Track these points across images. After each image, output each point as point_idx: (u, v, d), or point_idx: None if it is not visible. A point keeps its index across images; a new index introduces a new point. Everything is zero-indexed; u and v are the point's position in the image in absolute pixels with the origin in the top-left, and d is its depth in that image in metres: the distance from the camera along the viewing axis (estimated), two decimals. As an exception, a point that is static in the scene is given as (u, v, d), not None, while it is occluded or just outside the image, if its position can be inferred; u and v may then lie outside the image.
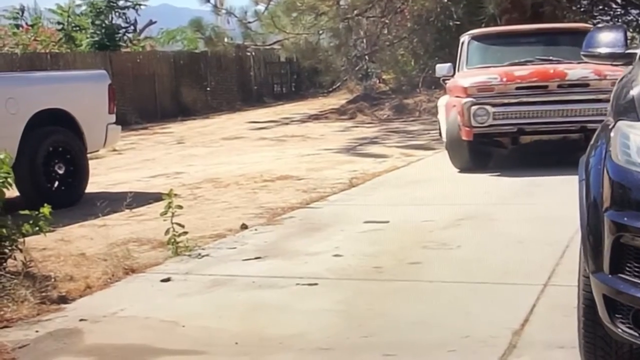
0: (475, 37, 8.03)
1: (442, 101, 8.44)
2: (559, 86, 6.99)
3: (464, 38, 8.24)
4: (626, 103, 2.35)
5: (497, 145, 7.35)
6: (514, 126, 6.95)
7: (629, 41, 3.04)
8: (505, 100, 6.95)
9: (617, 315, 2.18)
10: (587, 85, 6.93)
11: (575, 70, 6.99)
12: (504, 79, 7.09)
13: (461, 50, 8.15)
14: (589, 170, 2.38)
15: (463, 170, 7.28)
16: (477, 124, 6.89)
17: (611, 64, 3.31)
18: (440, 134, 8.61)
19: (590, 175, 2.35)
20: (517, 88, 7.03)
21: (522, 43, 8.13)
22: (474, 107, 6.89)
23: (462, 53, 7.97)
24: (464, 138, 7.05)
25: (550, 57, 7.58)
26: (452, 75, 8.07)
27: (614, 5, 15.98)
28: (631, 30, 13.39)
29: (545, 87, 7.00)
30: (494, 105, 6.91)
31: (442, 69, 8.27)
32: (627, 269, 2.16)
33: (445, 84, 8.33)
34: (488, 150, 7.42)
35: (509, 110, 6.94)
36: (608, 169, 2.23)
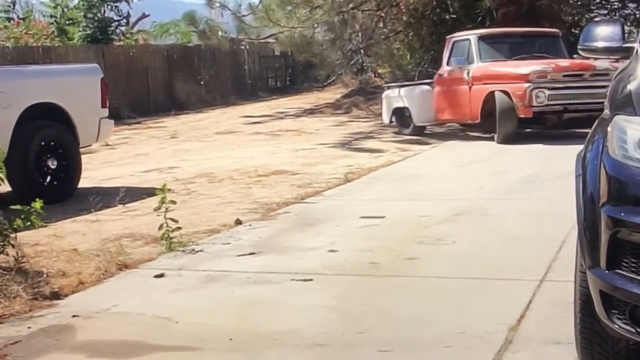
0: (481, 37, 9.94)
1: (386, 94, 11.18)
2: (591, 75, 8.82)
3: (469, 37, 10.03)
4: (623, 97, 2.33)
5: (542, 122, 9.14)
6: (561, 105, 8.79)
7: (626, 35, 3.02)
8: (556, 85, 8.75)
9: (613, 311, 2.17)
10: (608, 74, 8.23)
11: (601, 63, 8.63)
12: (555, 68, 8.94)
13: (456, 48, 10.18)
14: (585, 165, 2.36)
15: (505, 142, 8.91)
16: (537, 103, 8.67)
17: (607, 58, 3.30)
18: (388, 119, 11.13)
19: (587, 170, 2.33)
20: (564, 76, 8.86)
21: (515, 42, 10.07)
22: (536, 90, 8.64)
23: (471, 49, 9.82)
24: (522, 116, 8.76)
25: (544, 54, 9.67)
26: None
27: (612, -1, 15.97)
28: (629, 24, 13.39)
29: (582, 75, 8.86)
30: (549, 89, 8.70)
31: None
32: (624, 264, 2.15)
33: (441, 75, 10.32)
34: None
35: (558, 93, 8.75)
36: (605, 164, 2.22)
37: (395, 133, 11.09)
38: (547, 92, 8.68)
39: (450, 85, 10.08)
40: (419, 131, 10.55)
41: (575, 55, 9.26)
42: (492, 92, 9.07)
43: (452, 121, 10.55)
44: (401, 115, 10.84)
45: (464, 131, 10.63)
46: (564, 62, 9.24)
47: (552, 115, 8.91)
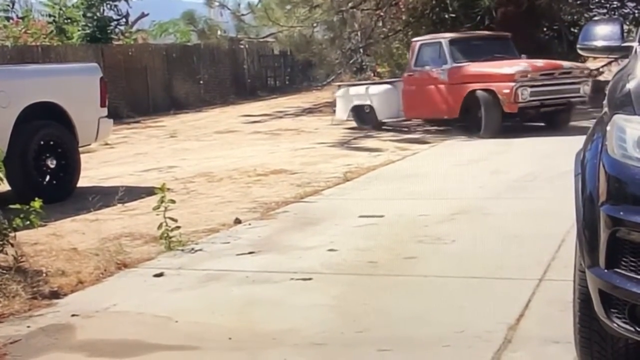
0: (451, 41, 10.87)
1: (341, 92, 12.09)
2: (560, 73, 10.02)
3: (440, 41, 10.92)
4: (622, 96, 2.33)
5: (522, 116, 10.14)
6: (539, 101, 9.80)
7: (625, 34, 3.02)
8: (535, 83, 9.76)
9: (612, 310, 2.16)
10: (570, 73, 10.14)
11: (566, 63, 10.37)
12: (533, 68, 9.96)
13: (422, 51, 11.13)
14: (584, 165, 2.36)
15: (491, 136, 9.70)
16: (521, 100, 9.63)
17: (607, 57, 3.31)
18: (345, 116, 11.98)
19: (586, 170, 2.33)
20: (540, 75, 9.89)
21: (477, 45, 11.13)
22: (521, 88, 9.61)
23: (443, 52, 10.72)
24: (507, 111, 9.74)
25: (503, 55, 10.72)
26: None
27: (611, -2, 15.97)
28: (627, 23, 13.39)
29: (553, 74, 9.99)
30: (530, 86, 9.69)
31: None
32: (623, 263, 2.15)
33: (411, 75, 11.18)
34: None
35: (537, 90, 9.74)
36: (604, 163, 2.21)
37: (391, 132, 11.17)
38: (529, 89, 9.68)
39: (423, 85, 10.90)
40: (380, 126, 11.57)
41: (522, 55, 10.71)
42: (473, 91, 10.05)
43: (425, 117, 11.51)
44: (360, 112, 11.78)
45: (425, 126, 11.64)
46: (539, 63, 10.26)
47: (531, 110, 9.94)
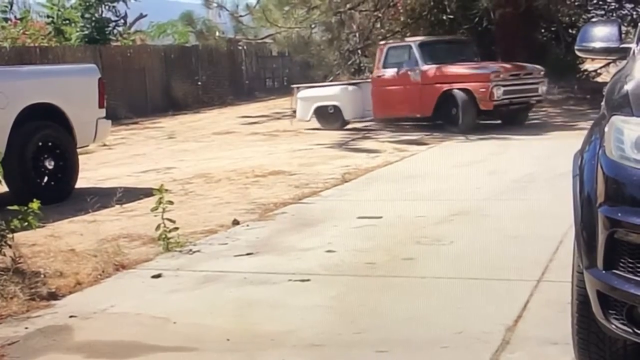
0: (421, 44, 11.57)
1: (303, 94, 12.57)
2: (524, 74, 11.15)
3: (410, 44, 11.66)
4: (620, 98, 2.33)
5: (493, 114, 10.98)
6: (508, 99, 10.74)
7: (623, 35, 3.03)
8: (506, 83, 10.74)
9: (610, 311, 2.17)
10: (532, 74, 11.21)
11: (528, 65, 11.38)
12: (503, 69, 11.01)
13: (391, 54, 11.77)
14: (582, 166, 2.36)
15: (467, 132, 10.44)
16: (496, 98, 10.57)
17: (605, 58, 3.32)
18: (308, 117, 12.36)
19: (584, 171, 2.33)
20: (510, 75, 10.91)
21: (443, 48, 11.95)
22: (496, 88, 10.55)
23: (414, 54, 11.40)
24: (483, 109, 10.67)
25: (466, 57, 11.69)
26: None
27: (608, 0, 16.00)
28: (625, 24, 13.41)
29: (519, 74, 11.10)
30: (502, 86, 10.63)
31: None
32: (621, 264, 2.15)
33: (381, 76, 11.78)
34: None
35: (508, 90, 10.70)
36: (602, 164, 2.21)
37: (387, 132, 11.18)
38: (502, 88, 10.62)
39: (394, 85, 11.53)
40: (345, 125, 12.16)
41: (475, 59, 11.84)
42: (447, 90, 10.84)
43: (396, 117, 11.84)
44: (323, 113, 12.23)
45: (393, 123, 11.97)
46: (507, 65, 11.37)
47: (503, 108, 10.82)
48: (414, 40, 11.83)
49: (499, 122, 11.18)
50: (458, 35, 13.21)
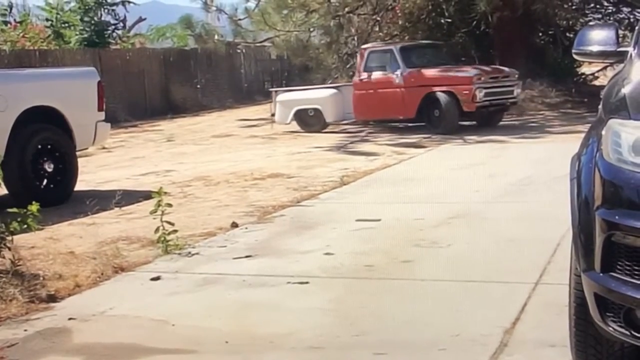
0: (401, 48, 12.04)
1: (282, 97, 12.83)
2: (502, 77, 11.64)
3: (391, 48, 12.10)
4: (617, 101, 2.34)
5: (473, 115, 11.40)
6: (489, 102, 11.23)
7: (620, 39, 3.04)
8: (487, 85, 11.22)
9: (608, 314, 2.17)
10: (508, 77, 11.70)
11: (505, 68, 11.88)
12: (483, 72, 11.54)
13: (371, 58, 12.12)
14: (580, 169, 2.37)
15: (450, 133, 10.82)
16: (478, 100, 11.01)
17: (602, 62, 3.33)
18: (288, 120, 12.60)
19: (581, 174, 2.34)
20: (489, 78, 11.41)
21: (421, 52, 12.43)
22: (478, 90, 11.00)
23: (396, 58, 11.78)
24: (466, 110, 11.08)
25: (441, 61, 12.18)
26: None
27: (606, 3, 16.03)
28: (623, 28, 13.44)
29: (497, 77, 11.59)
30: (484, 88, 11.12)
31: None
32: (618, 267, 2.16)
33: (363, 79, 12.01)
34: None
35: (488, 92, 11.20)
36: (599, 167, 2.23)
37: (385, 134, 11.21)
38: (484, 90, 11.10)
39: (376, 88, 11.86)
40: (325, 127, 12.46)
41: (450, 63, 12.23)
42: (430, 93, 11.26)
43: (378, 118, 12.31)
44: (303, 116, 12.50)
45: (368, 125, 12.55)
46: (486, 68, 11.98)
47: (483, 109, 11.25)
48: (395, 45, 12.35)
49: (474, 123, 11.56)
50: (433, 41, 13.76)
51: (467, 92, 11.01)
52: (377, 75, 11.96)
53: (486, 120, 11.52)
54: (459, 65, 12.34)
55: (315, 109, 12.34)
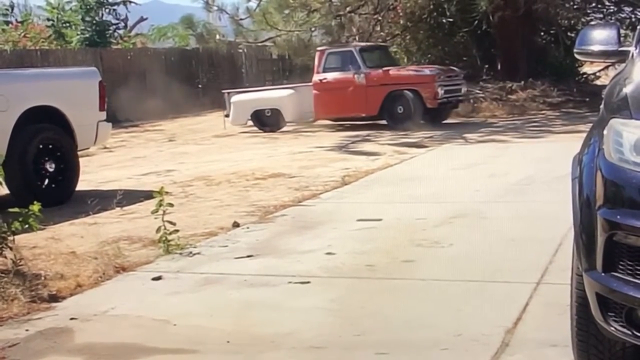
0: (360, 49, 12.67)
1: (238, 98, 13.16)
2: (454, 76, 12.50)
3: (351, 49, 12.72)
4: (619, 101, 2.34)
5: (433, 112, 12.09)
6: (446, 99, 12.14)
7: (622, 39, 3.04)
8: (445, 83, 12.12)
9: (610, 314, 2.17)
10: (458, 76, 12.63)
11: (456, 68, 13.00)
12: (440, 71, 12.35)
13: (330, 59, 12.65)
14: (581, 168, 2.37)
15: (416, 129, 11.45)
16: (440, 97, 11.92)
17: (603, 61, 3.32)
18: (244, 120, 13.09)
19: (583, 173, 2.34)
20: (446, 77, 12.28)
21: (373, 53, 13.04)
22: (440, 87, 11.91)
23: (356, 59, 12.38)
24: (430, 107, 11.88)
25: (391, 62, 13.30)
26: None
27: (607, 3, 16.02)
28: (624, 27, 13.43)
29: (451, 76, 12.46)
30: (443, 86, 12.03)
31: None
32: (620, 267, 2.15)
33: (323, 79, 12.52)
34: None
35: (446, 89, 12.09)
36: (601, 167, 2.22)
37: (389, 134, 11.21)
38: (444, 88, 11.94)
39: (337, 88, 12.32)
40: (282, 127, 12.86)
41: (396, 63, 13.64)
42: (393, 91, 11.94)
43: (339, 117, 12.72)
44: (260, 117, 12.93)
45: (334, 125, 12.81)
46: (442, 67, 12.80)
47: (442, 106, 12.08)
48: (354, 46, 13.02)
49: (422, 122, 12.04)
50: (380, 42, 14.59)
51: (430, 89, 11.77)
52: (337, 75, 12.44)
53: (436, 117, 12.17)
54: (416, 65, 13.64)
55: (274, 109, 12.75)
